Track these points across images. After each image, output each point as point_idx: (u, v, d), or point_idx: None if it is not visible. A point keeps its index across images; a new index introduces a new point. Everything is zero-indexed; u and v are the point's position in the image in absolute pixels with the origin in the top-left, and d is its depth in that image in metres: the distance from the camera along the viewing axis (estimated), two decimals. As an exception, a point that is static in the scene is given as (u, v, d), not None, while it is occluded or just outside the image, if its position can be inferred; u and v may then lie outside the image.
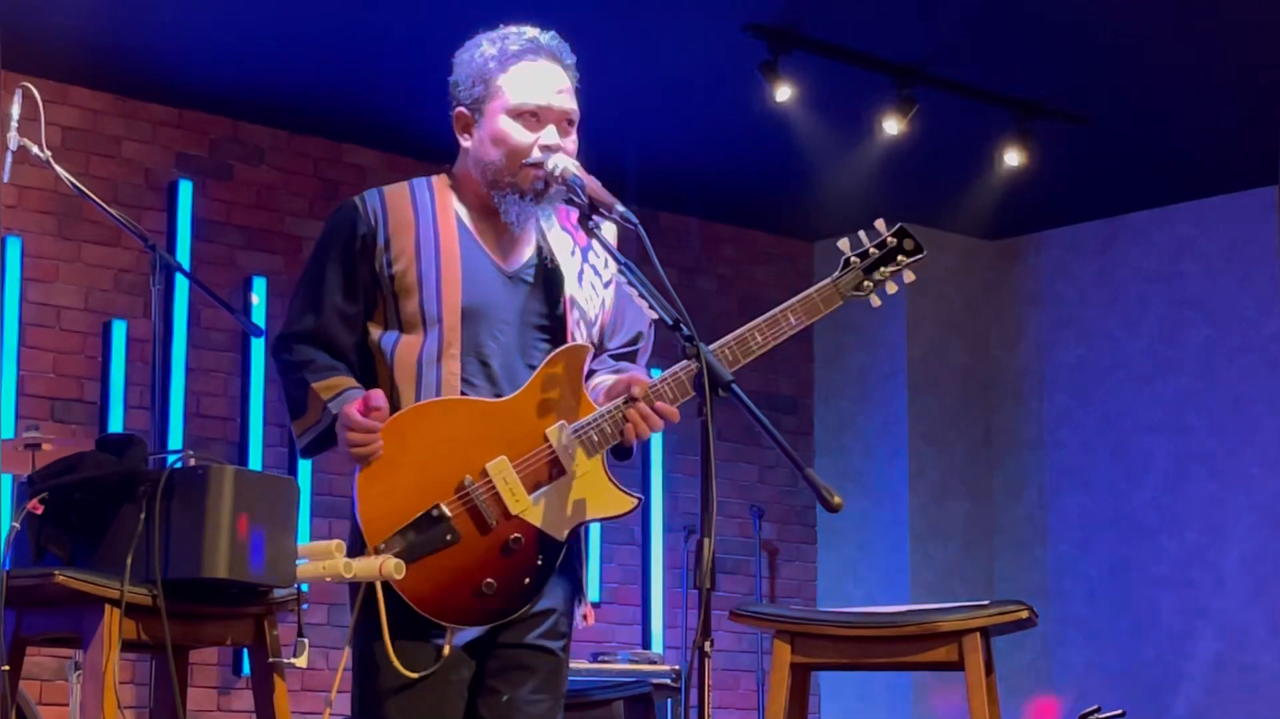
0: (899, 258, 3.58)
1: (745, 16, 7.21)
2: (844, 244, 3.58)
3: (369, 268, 3.51)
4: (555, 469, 3.45)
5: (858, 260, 3.56)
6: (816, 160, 8.50)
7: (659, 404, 3.44)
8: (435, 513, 3.39)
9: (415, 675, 3.39)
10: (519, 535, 3.42)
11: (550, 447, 3.44)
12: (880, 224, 3.60)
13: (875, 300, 3.58)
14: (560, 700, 3.57)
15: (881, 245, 3.57)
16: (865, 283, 3.56)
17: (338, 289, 3.52)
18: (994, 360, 9.91)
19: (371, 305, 3.53)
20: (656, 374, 3.49)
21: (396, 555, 3.35)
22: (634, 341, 3.69)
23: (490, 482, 3.41)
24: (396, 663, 3.38)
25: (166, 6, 7.04)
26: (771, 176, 8.95)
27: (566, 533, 3.46)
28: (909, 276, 3.59)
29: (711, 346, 3.35)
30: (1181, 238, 9.33)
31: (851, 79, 7.66)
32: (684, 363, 3.39)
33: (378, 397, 3.40)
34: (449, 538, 3.38)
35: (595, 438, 3.46)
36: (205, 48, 7.42)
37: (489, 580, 3.40)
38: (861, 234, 3.59)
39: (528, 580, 3.43)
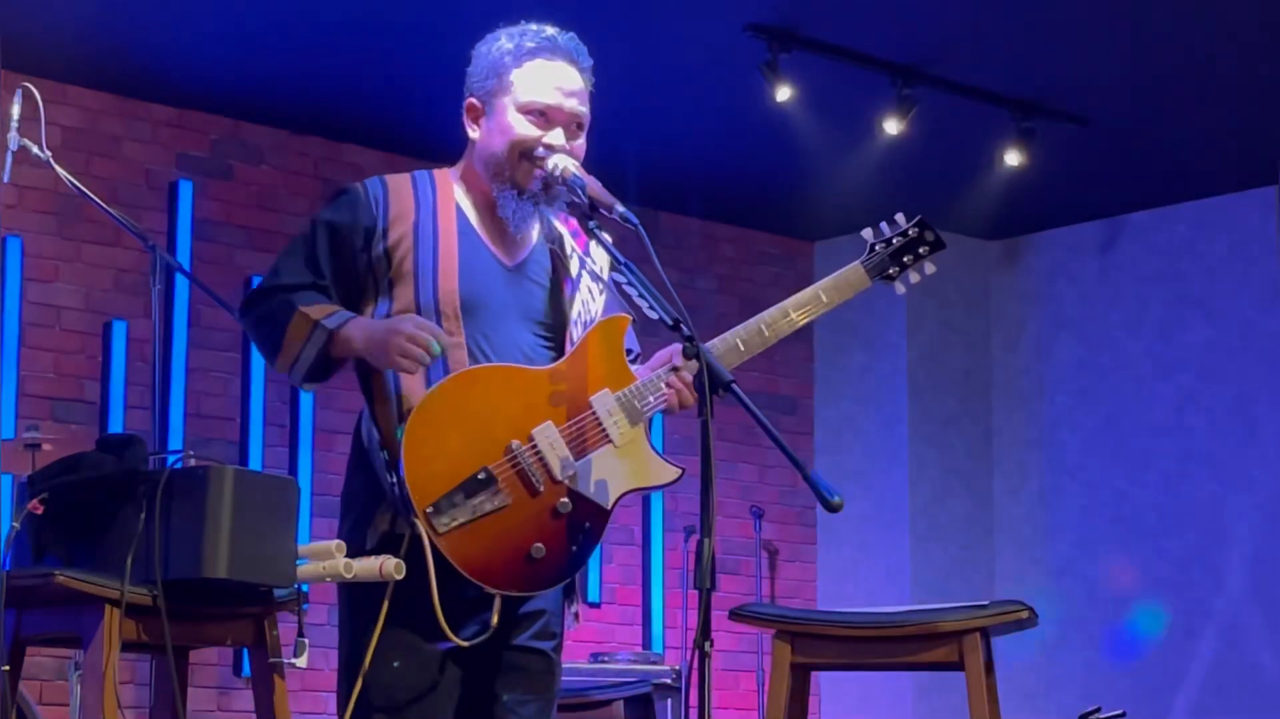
0: (920, 249, 3.70)
1: (745, 16, 7.21)
2: (867, 233, 3.70)
3: (366, 258, 3.49)
4: (600, 436, 3.46)
5: (883, 247, 3.68)
6: (816, 160, 8.50)
7: None
8: (482, 475, 3.38)
9: (394, 673, 3.38)
10: (566, 500, 3.42)
11: (594, 413, 3.46)
12: (900, 217, 3.72)
13: (900, 288, 3.71)
14: (553, 701, 3.58)
15: (904, 235, 3.69)
16: (891, 269, 3.68)
17: (326, 266, 3.49)
18: (994, 360, 9.91)
19: (359, 296, 3.51)
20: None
21: (448, 519, 3.34)
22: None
23: (536, 446, 3.42)
24: (378, 663, 3.37)
25: (166, 6, 7.04)
26: (771, 176, 8.94)
27: (612, 501, 3.46)
28: (930, 268, 3.72)
29: (749, 323, 3.50)
30: (1181, 238, 9.33)
31: (851, 79, 7.66)
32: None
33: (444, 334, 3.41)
34: (498, 503, 3.38)
35: (638, 405, 3.48)
36: (205, 48, 7.42)
37: (538, 545, 3.40)
38: (884, 225, 3.71)
39: (575, 547, 3.44)
